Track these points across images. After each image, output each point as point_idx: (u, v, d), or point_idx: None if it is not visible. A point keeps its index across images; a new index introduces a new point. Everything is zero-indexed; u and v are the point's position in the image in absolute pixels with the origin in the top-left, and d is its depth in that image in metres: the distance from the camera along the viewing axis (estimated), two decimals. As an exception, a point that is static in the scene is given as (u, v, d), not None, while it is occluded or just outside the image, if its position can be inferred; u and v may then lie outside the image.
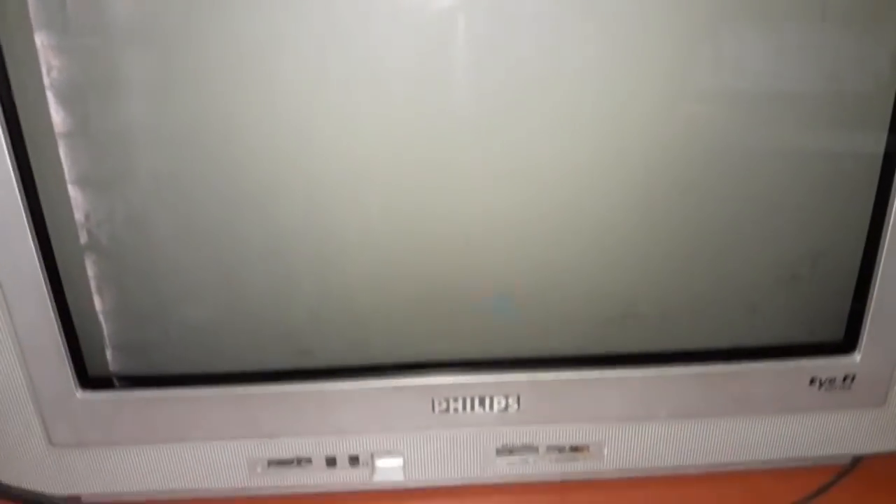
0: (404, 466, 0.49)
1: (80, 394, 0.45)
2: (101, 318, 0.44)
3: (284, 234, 0.43)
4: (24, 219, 0.40)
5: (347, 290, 0.44)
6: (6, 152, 0.38)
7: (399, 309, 0.45)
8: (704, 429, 0.49)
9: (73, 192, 0.40)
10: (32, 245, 0.40)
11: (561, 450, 0.49)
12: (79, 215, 0.41)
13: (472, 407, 0.47)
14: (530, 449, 0.49)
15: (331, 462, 0.48)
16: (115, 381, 0.45)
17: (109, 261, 0.43)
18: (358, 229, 0.43)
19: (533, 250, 0.44)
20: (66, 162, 0.39)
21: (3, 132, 0.38)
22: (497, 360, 0.46)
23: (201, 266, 0.43)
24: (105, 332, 0.44)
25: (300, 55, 0.38)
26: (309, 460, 0.48)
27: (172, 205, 0.41)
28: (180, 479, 0.48)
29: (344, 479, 0.49)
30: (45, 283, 0.41)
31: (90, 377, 0.45)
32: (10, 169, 0.38)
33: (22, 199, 0.39)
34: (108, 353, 0.45)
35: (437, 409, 0.47)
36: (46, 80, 0.37)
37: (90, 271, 0.43)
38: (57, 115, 0.38)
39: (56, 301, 0.42)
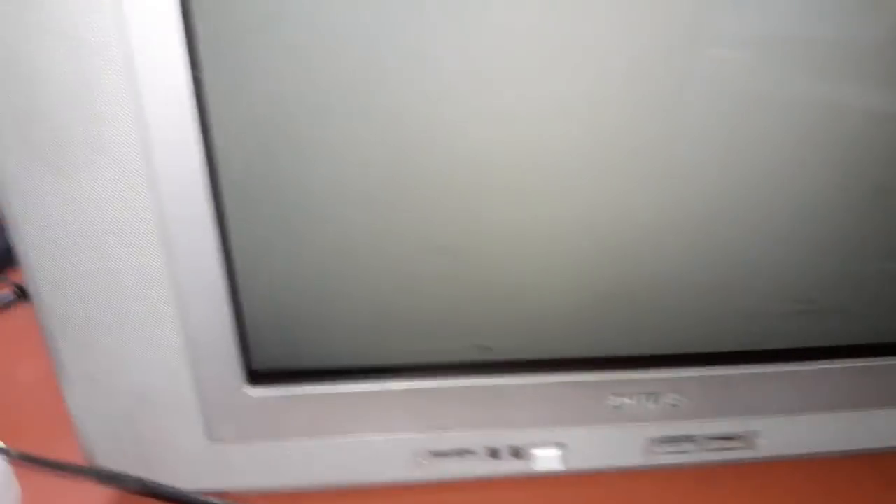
0: (565, 456, 0.48)
1: (249, 390, 0.42)
2: (270, 311, 0.41)
3: (462, 228, 0.40)
4: (209, 208, 0.37)
5: (528, 286, 0.42)
6: (197, 151, 0.35)
7: (576, 306, 0.43)
8: (864, 417, 0.49)
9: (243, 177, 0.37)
10: (215, 237, 0.37)
11: (718, 439, 0.49)
12: (250, 208, 0.38)
13: (641, 401, 0.46)
14: (689, 440, 0.49)
15: (493, 453, 0.47)
16: (284, 377, 0.43)
17: (281, 253, 0.40)
18: (535, 227, 0.40)
19: (712, 245, 0.42)
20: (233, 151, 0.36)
21: (196, 130, 0.34)
22: (669, 355, 0.45)
23: (377, 260, 0.41)
24: (274, 327, 0.42)
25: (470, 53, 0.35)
26: (472, 452, 0.47)
27: (349, 196, 0.38)
28: (339, 472, 0.46)
29: (503, 469, 0.48)
30: (224, 276, 0.39)
31: (258, 372, 0.42)
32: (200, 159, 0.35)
33: (207, 187, 0.36)
34: (278, 348, 0.42)
35: (606, 403, 0.45)
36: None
37: (261, 263, 0.40)
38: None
39: (231, 295, 0.39)
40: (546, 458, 0.48)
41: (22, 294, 0.66)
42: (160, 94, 0.34)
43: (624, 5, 0.35)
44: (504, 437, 0.47)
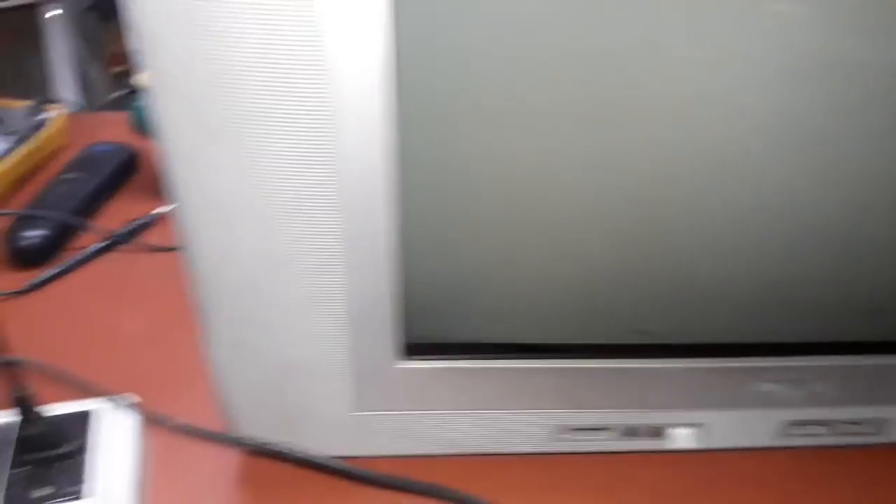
0: (700, 436, 0.47)
1: (401, 362, 0.41)
2: (429, 286, 0.40)
3: (634, 215, 0.38)
4: (387, 185, 0.35)
5: (696, 275, 0.41)
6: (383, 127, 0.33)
7: (737, 292, 0.42)
8: None
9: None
10: (389, 213, 0.36)
11: (848, 423, 0.48)
12: (425, 184, 0.36)
13: (787, 388, 0.45)
14: (823, 423, 0.48)
15: (631, 431, 0.47)
16: (436, 350, 0.42)
17: (448, 228, 0.38)
18: (707, 217, 0.39)
19: (855, 237, 0.41)
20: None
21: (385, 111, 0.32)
22: (818, 343, 0.44)
23: (544, 240, 0.39)
24: (431, 301, 0.40)
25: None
26: (610, 428, 0.46)
27: (521, 178, 0.37)
28: (477, 443, 0.46)
29: (638, 446, 0.47)
30: (394, 250, 0.37)
31: (411, 345, 0.41)
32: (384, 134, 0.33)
33: (388, 162, 0.34)
34: (432, 322, 0.41)
35: (753, 388, 0.45)
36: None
37: (428, 238, 0.38)
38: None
39: (397, 269, 0.38)
40: (682, 437, 0.47)
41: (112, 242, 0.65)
42: (353, 69, 0.32)
43: None
44: (644, 417, 0.46)
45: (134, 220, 0.67)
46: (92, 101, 1.29)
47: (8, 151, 0.69)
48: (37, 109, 0.76)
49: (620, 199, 0.37)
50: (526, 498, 0.45)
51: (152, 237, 0.67)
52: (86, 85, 1.31)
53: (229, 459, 0.47)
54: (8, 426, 0.43)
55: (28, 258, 0.62)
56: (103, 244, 0.65)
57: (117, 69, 1.47)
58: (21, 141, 0.71)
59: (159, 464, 0.46)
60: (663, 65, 0.33)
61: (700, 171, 0.37)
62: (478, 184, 0.36)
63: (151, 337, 0.57)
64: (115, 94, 0.94)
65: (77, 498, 0.41)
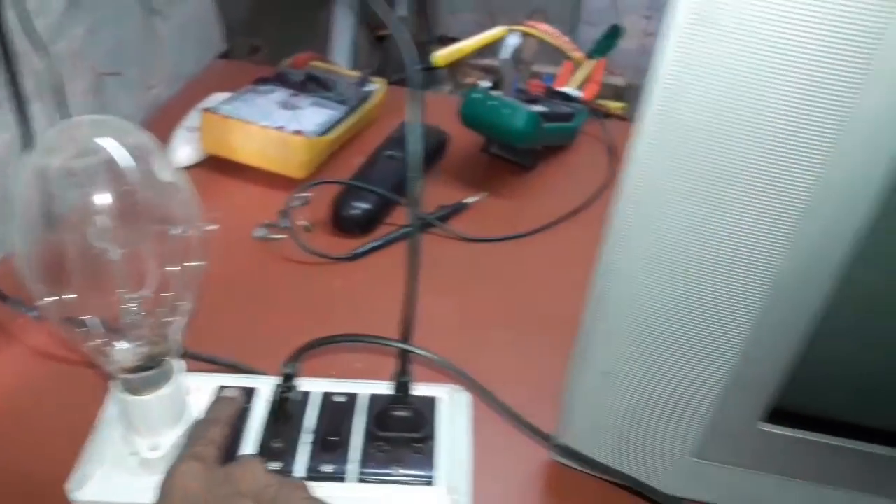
0: None
1: (763, 425, 0.42)
2: (815, 361, 0.40)
3: None
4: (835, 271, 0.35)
5: None
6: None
7: None
8: None
9: None
10: (822, 290, 0.36)
11: None
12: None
13: None
14: None
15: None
16: (795, 420, 0.42)
17: (856, 315, 0.38)
18: None
19: None
20: None
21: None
22: None
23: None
24: (809, 372, 0.40)
25: None
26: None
27: None
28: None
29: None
30: (806, 324, 0.37)
31: (776, 410, 0.42)
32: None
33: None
34: (802, 392, 0.41)
35: None
36: None
37: (838, 318, 0.38)
38: None
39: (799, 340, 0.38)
40: None
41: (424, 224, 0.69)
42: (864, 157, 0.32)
43: None
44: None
45: (444, 205, 0.71)
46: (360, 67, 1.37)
47: (341, 120, 0.75)
48: (364, 81, 0.81)
49: None
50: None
51: (458, 224, 0.71)
52: (355, 51, 1.38)
53: (542, 463, 0.50)
54: (380, 399, 0.47)
55: (352, 226, 0.68)
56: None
57: (380, 33, 1.55)
58: (351, 111, 0.77)
59: (482, 455, 0.49)
60: None
61: None
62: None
63: (459, 325, 0.60)
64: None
65: (430, 484, 0.44)
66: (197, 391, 0.48)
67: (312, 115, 0.74)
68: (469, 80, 0.80)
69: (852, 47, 0.29)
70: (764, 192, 0.34)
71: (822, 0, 0.29)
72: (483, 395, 0.46)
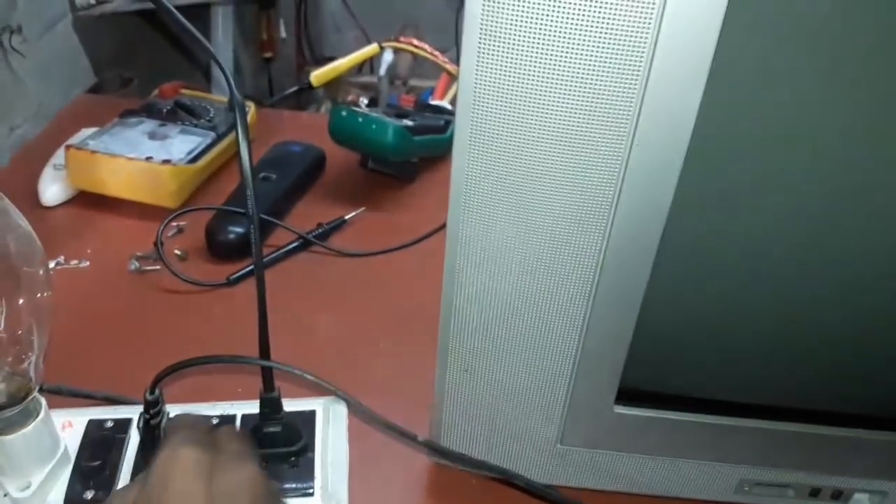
0: (880, 502, 0.49)
1: (616, 407, 0.44)
2: (658, 338, 0.43)
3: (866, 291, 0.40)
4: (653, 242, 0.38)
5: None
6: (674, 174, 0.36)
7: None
8: None
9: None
10: (649, 261, 0.38)
11: None
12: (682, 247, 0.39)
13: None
14: None
15: (814, 492, 0.49)
16: (648, 399, 0.45)
17: (684, 288, 0.41)
18: None
19: None
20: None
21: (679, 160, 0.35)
22: None
23: (780, 311, 0.41)
24: (655, 352, 0.43)
25: None
26: (796, 486, 0.48)
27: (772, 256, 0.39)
28: (665, 486, 0.49)
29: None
30: (642, 299, 0.40)
31: (627, 391, 0.44)
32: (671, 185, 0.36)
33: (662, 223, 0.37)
34: (651, 372, 0.44)
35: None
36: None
37: (665, 296, 0.41)
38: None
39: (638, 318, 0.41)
40: (861, 503, 0.49)
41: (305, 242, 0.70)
42: (654, 142, 0.34)
43: None
44: (831, 480, 0.48)
45: (324, 223, 0.72)
46: (243, 90, 1.36)
47: (210, 146, 0.75)
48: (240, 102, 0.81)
49: (863, 282, 0.39)
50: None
51: (339, 240, 0.72)
52: (239, 74, 1.38)
53: (422, 466, 0.51)
54: (249, 419, 0.47)
55: (227, 252, 0.68)
56: (296, 244, 0.70)
57: (266, 55, 1.54)
58: (221, 136, 0.77)
59: (361, 464, 0.50)
60: None
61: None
62: (733, 256, 0.39)
63: (342, 338, 0.61)
64: (290, 90, 1.00)
65: (310, 495, 0.45)
66: (70, 427, 0.48)
67: (181, 144, 0.73)
68: (349, 98, 0.81)
69: (626, 53, 0.32)
70: (572, 185, 0.36)
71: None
72: (351, 403, 0.47)
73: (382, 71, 0.92)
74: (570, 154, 0.35)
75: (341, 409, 0.50)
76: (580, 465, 0.48)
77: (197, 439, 0.36)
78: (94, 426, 0.48)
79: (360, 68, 1.00)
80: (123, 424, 0.48)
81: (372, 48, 0.91)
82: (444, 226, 0.69)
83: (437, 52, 0.92)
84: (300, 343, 0.59)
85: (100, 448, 0.46)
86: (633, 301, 0.40)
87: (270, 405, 0.44)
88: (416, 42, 0.92)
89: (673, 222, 0.37)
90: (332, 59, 0.88)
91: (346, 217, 0.74)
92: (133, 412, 0.49)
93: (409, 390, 0.53)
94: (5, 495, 0.44)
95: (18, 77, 0.82)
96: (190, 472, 0.35)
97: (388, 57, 0.96)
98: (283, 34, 1.50)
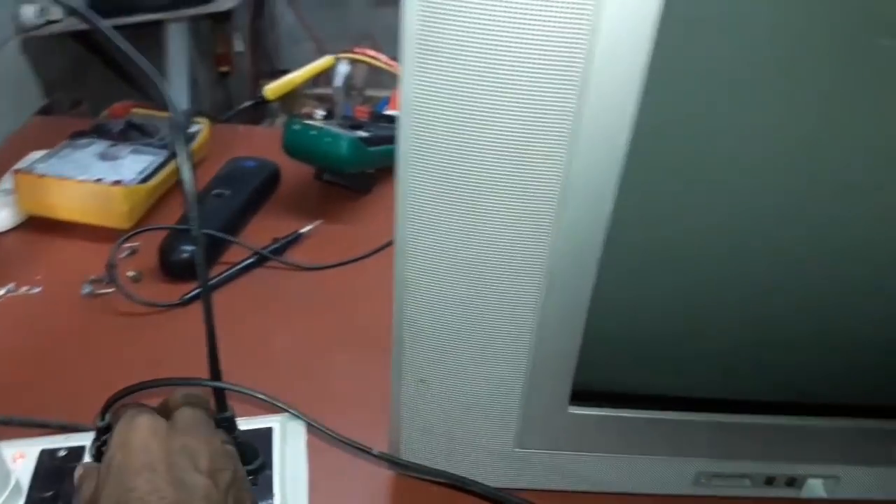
0: (833, 488, 0.50)
1: (571, 408, 0.45)
2: (607, 339, 0.43)
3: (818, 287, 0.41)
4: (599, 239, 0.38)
5: (872, 343, 0.43)
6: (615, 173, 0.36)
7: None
8: None
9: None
10: (594, 264, 0.39)
11: None
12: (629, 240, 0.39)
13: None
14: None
15: (769, 480, 0.49)
16: (601, 399, 0.45)
17: (631, 287, 0.42)
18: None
19: None
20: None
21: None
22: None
23: (724, 310, 0.42)
24: (605, 353, 0.44)
25: None
26: (751, 476, 0.49)
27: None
28: (625, 482, 0.49)
29: (773, 494, 0.50)
30: (588, 306, 0.40)
31: (580, 392, 0.45)
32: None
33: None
34: (602, 372, 0.44)
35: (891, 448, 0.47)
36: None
37: (617, 298, 0.41)
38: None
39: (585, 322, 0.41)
40: (815, 488, 0.50)
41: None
42: (598, 125, 0.35)
43: None
44: (785, 468, 0.49)
45: (279, 238, 0.72)
46: (200, 105, 1.35)
47: (163, 164, 0.74)
48: (186, 121, 0.81)
49: (816, 276, 0.40)
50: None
51: (296, 254, 0.72)
52: (195, 89, 1.37)
53: (384, 478, 0.51)
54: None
55: (181, 272, 0.67)
56: (251, 260, 0.69)
57: (222, 69, 1.53)
58: (174, 154, 0.76)
59: (321, 478, 0.50)
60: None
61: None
62: (676, 255, 0.40)
63: (301, 354, 0.61)
64: (245, 105, 0.99)
65: None
66: (21, 458, 0.47)
67: (132, 164, 0.73)
68: (305, 111, 0.81)
69: (561, 62, 0.33)
70: (515, 193, 0.37)
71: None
72: (305, 419, 0.47)
73: (338, 82, 0.91)
74: (511, 162, 0.36)
75: (298, 426, 0.50)
76: (540, 468, 0.48)
77: (151, 410, 0.39)
78: (46, 456, 0.47)
79: (316, 80, 0.99)
80: (77, 452, 0.48)
81: (326, 60, 0.91)
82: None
83: (392, 62, 0.92)
84: (256, 359, 0.59)
85: (52, 478, 0.45)
86: (580, 304, 0.40)
87: (225, 424, 0.44)
88: (371, 52, 0.92)
89: (616, 225, 0.37)
90: (287, 71, 0.87)
91: (302, 231, 0.73)
92: (87, 439, 0.48)
93: (367, 403, 0.54)
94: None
95: (-37, 102, 0.80)
96: (146, 431, 0.38)
97: (343, 68, 0.96)
98: (240, 48, 1.49)
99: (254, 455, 0.46)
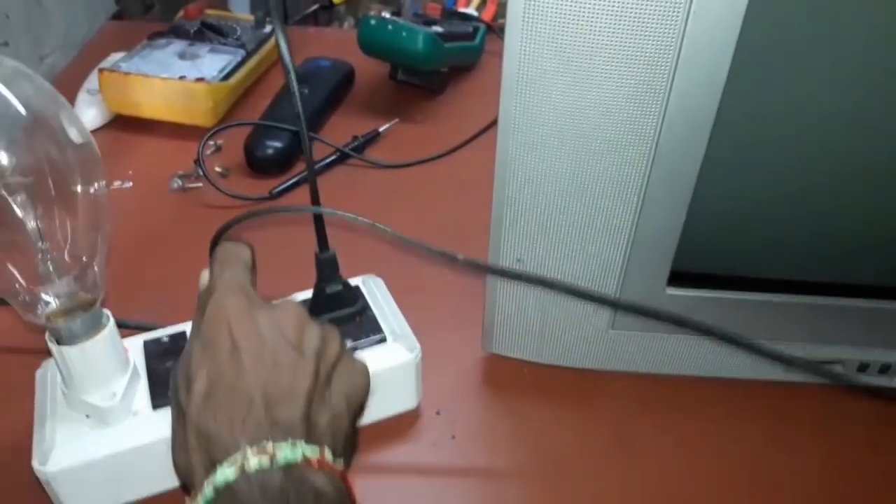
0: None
1: (669, 289, 0.45)
2: (707, 221, 0.43)
3: None
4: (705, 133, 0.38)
5: None
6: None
7: None
8: None
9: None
10: (698, 156, 0.39)
11: None
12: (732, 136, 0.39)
13: None
14: None
15: (863, 367, 0.49)
16: (698, 281, 0.45)
17: (736, 171, 0.41)
18: None
19: None
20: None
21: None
22: None
23: (824, 193, 0.41)
24: (704, 235, 0.43)
25: None
26: (844, 362, 0.49)
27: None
28: (713, 367, 0.50)
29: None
30: (692, 187, 0.40)
31: (677, 274, 0.45)
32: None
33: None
34: (700, 254, 0.44)
35: None
36: None
37: (720, 182, 0.41)
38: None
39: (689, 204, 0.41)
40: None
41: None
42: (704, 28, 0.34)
43: None
44: (880, 354, 0.48)
45: (357, 136, 0.72)
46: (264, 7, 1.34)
47: (241, 63, 0.75)
48: (260, 23, 0.81)
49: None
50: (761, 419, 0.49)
51: (373, 152, 0.72)
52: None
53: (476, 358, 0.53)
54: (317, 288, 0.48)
55: (267, 166, 0.68)
56: (334, 157, 0.70)
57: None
58: (251, 54, 0.77)
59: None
60: None
61: None
62: (779, 142, 0.39)
63: (383, 247, 0.62)
64: (311, 9, 0.98)
65: (384, 342, 0.47)
66: (126, 352, 0.49)
67: (212, 62, 0.73)
68: (372, 13, 0.80)
69: None
70: (628, 60, 0.36)
71: None
72: (405, 242, 0.45)
73: (404, -18, 0.90)
74: (626, 28, 0.35)
75: (381, 282, 0.52)
76: (631, 350, 0.49)
77: (242, 288, 0.38)
78: (151, 344, 0.49)
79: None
80: (179, 337, 0.49)
81: (393, -41, 0.89)
82: (477, 134, 0.69)
83: (461, -38, 0.90)
84: (341, 252, 0.60)
85: (166, 357, 0.47)
86: (687, 181, 0.40)
87: (328, 265, 0.45)
88: (439, -48, 0.90)
89: (729, 94, 0.37)
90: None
91: (381, 129, 0.74)
92: (185, 326, 0.50)
93: (453, 299, 0.55)
94: (88, 416, 0.44)
95: (44, 7, 0.81)
96: (238, 305, 0.36)
97: (408, -32, 0.94)
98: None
99: (357, 296, 0.48)
